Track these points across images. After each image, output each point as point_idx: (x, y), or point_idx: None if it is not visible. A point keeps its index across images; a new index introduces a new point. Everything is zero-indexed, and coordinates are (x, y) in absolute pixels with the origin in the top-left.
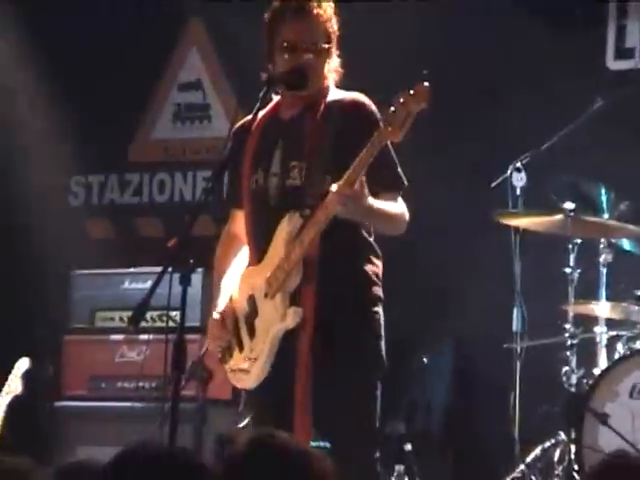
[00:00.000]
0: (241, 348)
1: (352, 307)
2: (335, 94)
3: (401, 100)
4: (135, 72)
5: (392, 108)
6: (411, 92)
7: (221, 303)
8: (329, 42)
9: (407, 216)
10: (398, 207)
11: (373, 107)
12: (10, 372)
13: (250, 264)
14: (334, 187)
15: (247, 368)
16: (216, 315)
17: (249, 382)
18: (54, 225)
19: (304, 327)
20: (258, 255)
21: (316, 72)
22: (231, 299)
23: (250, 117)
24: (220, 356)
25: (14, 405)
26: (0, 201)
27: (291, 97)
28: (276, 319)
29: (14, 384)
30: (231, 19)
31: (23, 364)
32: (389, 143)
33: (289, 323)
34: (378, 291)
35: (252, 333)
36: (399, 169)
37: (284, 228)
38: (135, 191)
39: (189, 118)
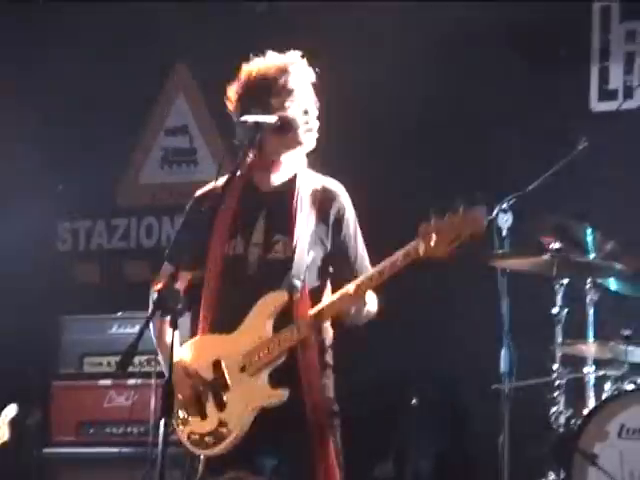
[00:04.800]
0: (203, 415)
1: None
2: (311, 173)
3: (454, 221)
4: (122, 117)
5: (442, 225)
6: (465, 216)
7: (178, 356)
8: (279, 104)
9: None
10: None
11: (348, 201)
12: None
13: (204, 332)
14: (350, 289)
15: (217, 436)
16: (179, 369)
17: (217, 449)
18: (42, 270)
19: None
20: (222, 325)
21: (266, 131)
22: (188, 356)
23: (221, 181)
24: (177, 416)
25: (1, 452)
26: None
27: (260, 161)
28: (259, 396)
29: (1, 431)
30: (217, 63)
31: (10, 411)
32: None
33: (275, 401)
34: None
35: (221, 404)
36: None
37: (268, 305)
38: (123, 236)
39: (176, 162)
